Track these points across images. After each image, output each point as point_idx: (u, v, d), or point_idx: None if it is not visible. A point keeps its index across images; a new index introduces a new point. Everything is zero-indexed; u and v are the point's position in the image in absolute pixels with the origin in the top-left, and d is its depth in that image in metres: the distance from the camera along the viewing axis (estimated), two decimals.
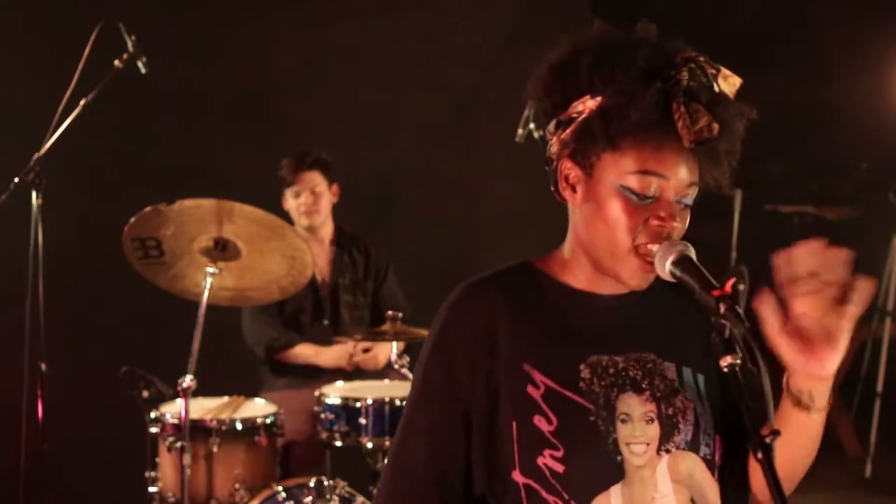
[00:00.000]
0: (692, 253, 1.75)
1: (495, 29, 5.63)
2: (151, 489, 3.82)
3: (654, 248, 1.73)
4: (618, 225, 1.74)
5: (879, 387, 6.11)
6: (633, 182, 1.72)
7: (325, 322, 4.51)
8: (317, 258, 4.43)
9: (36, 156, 3.91)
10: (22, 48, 4.92)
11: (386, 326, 3.94)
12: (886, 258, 6.22)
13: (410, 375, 3.76)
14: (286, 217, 4.34)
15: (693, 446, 1.79)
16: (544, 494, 1.73)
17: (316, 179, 4.46)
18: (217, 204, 3.67)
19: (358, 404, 3.91)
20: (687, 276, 1.71)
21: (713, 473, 1.81)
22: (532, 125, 4.15)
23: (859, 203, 6.88)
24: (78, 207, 4.87)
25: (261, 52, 5.28)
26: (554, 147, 1.80)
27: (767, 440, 1.58)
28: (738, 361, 1.63)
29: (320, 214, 4.49)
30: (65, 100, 3.92)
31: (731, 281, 1.70)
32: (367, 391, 4.03)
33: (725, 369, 1.62)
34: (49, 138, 3.92)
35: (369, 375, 4.39)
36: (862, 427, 6.28)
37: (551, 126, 1.80)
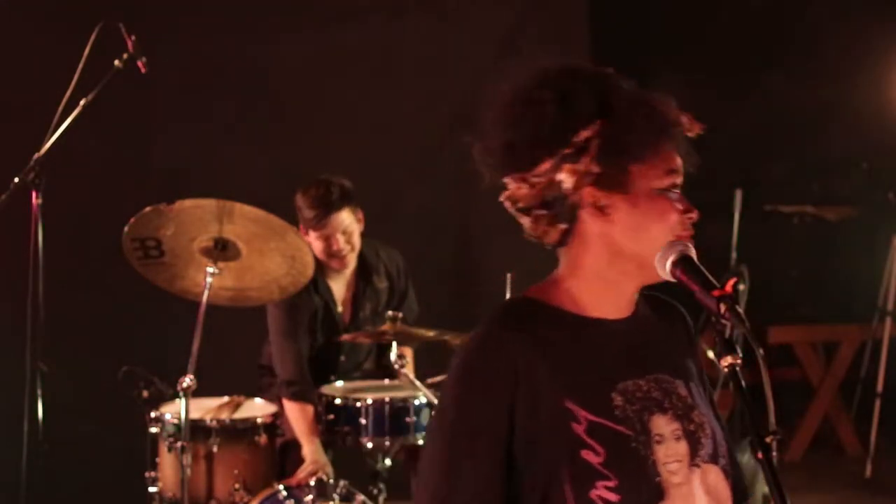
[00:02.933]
0: (692, 253, 1.77)
1: (495, 30, 5.63)
2: (151, 489, 3.82)
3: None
4: (665, 223, 1.79)
5: (879, 387, 6.11)
6: (666, 182, 1.81)
7: (342, 358, 4.29)
8: (338, 291, 4.26)
9: (36, 156, 3.91)
10: (22, 48, 4.92)
11: (386, 327, 3.93)
12: (886, 258, 6.21)
13: (411, 375, 3.77)
14: (286, 217, 4.32)
15: (713, 458, 1.84)
16: None
17: (347, 219, 4.06)
18: (217, 204, 3.67)
19: (358, 404, 3.91)
20: (688, 275, 1.73)
21: (728, 481, 1.86)
22: None
23: (859, 203, 6.88)
24: (78, 207, 4.87)
25: (261, 54, 5.28)
26: (567, 182, 1.79)
27: (767, 440, 1.60)
28: (739, 362, 1.64)
29: (355, 252, 4.14)
30: (65, 100, 3.92)
31: (732, 281, 1.71)
32: (367, 391, 4.03)
33: (726, 369, 1.63)
34: (49, 138, 3.92)
35: (369, 375, 4.39)
36: (862, 427, 6.27)
37: (546, 165, 1.80)
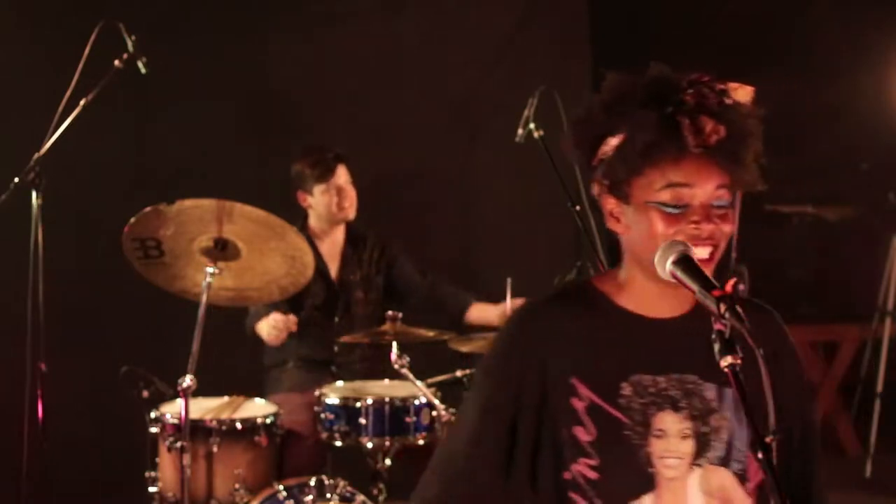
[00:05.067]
0: (692, 253, 1.78)
1: (495, 29, 5.63)
2: (151, 489, 3.83)
3: (696, 249, 1.84)
4: (658, 236, 1.85)
5: (879, 387, 6.11)
6: (663, 196, 1.85)
7: (337, 318, 4.47)
8: (328, 255, 4.48)
9: (36, 156, 3.91)
10: (22, 48, 4.92)
11: (386, 326, 3.94)
12: (886, 258, 6.21)
13: (411, 376, 3.77)
14: (286, 217, 4.32)
15: (724, 462, 1.92)
16: (575, 497, 1.90)
17: (346, 173, 4.45)
18: (217, 204, 3.67)
19: (358, 404, 3.91)
20: (687, 275, 1.75)
21: (744, 485, 1.93)
22: (532, 125, 4.13)
23: (859, 203, 6.88)
24: (78, 207, 4.87)
25: (261, 53, 5.28)
26: (595, 189, 1.97)
27: (767, 440, 1.61)
28: (739, 362, 1.65)
29: (354, 207, 4.48)
30: (65, 100, 3.92)
31: (732, 281, 1.72)
32: (367, 391, 4.04)
33: (726, 369, 1.65)
34: (49, 138, 3.92)
35: (369, 375, 4.39)
36: (862, 427, 6.27)
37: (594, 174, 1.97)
